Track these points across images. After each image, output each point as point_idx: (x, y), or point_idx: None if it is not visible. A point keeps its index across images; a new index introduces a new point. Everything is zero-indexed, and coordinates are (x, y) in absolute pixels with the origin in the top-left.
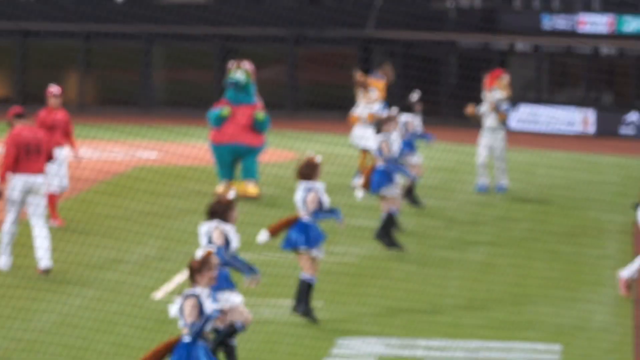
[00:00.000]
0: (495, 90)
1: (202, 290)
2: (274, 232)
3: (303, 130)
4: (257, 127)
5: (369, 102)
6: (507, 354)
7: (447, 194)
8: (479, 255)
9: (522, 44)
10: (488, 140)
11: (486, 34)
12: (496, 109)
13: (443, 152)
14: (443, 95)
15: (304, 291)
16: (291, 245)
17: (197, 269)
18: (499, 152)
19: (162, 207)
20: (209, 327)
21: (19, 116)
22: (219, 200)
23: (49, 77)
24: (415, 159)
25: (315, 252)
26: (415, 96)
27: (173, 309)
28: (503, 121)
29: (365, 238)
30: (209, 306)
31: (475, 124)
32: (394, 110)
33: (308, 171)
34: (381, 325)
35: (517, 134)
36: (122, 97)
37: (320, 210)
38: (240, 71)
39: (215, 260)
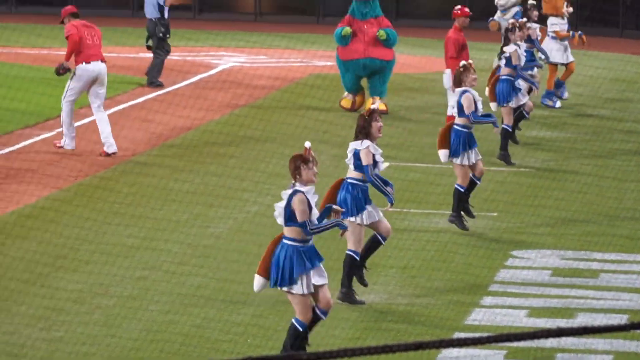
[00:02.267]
0: None
1: (305, 188)
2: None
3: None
4: (384, 44)
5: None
6: None
7: (625, 105)
8: None
9: None
10: None
11: None
12: None
13: (620, 63)
14: (619, 6)
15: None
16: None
17: (297, 165)
18: None
19: (337, 116)
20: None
21: (74, 15)
22: (360, 117)
23: None
24: (535, 70)
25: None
26: (531, 2)
27: (277, 210)
28: None
29: (541, 150)
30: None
31: None
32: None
33: (459, 78)
34: (557, 237)
35: None
36: (299, 6)
37: (476, 114)
38: None
39: (313, 156)
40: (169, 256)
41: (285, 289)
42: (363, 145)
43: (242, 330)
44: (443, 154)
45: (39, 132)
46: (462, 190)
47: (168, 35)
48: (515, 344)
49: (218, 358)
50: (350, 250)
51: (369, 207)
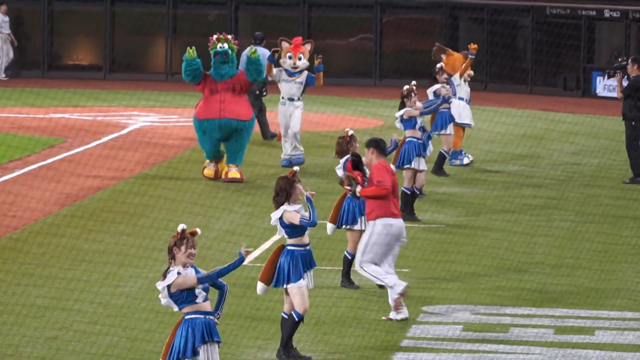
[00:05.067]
0: None
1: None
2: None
3: (388, 97)
4: (251, 65)
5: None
6: (594, 322)
7: (534, 160)
8: (565, 222)
9: (608, 12)
10: None
11: (574, 2)
12: None
13: (529, 119)
14: (528, 62)
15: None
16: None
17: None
18: None
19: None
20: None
21: None
22: (281, 178)
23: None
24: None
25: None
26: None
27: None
28: None
29: (451, 205)
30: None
31: (561, 92)
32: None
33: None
34: (467, 292)
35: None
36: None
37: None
38: (226, 43)
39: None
40: (79, 316)
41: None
42: (280, 212)
43: None
44: (330, 227)
45: None
46: (350, 257)
47: (265, 93)
48: None
49: None
50: (294, 311)
51: (310, 273)
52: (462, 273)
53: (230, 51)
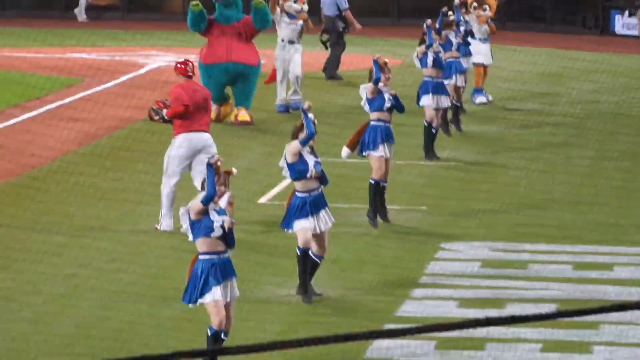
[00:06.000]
0: None
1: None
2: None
3: (407, 37)
4: (258, 14)
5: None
6: (612, 258)
7: (552, 98)
8: (584, 159)
9: None
10: None
11: None
12: None
13: (547, 57)
14: (546, 1)
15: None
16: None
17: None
18: None
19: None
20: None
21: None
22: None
23: None
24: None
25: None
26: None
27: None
28: None
29: (470, 143)
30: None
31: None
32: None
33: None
34: (486, 229)
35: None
36: None
37: None
38: None
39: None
40: (98, 253)
41: None
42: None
43: (172, 325)
44: (345, 151)
45: None
46: (373, 182)
47: (347, 31)
48: (444, 334)
49: (148, 353)
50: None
51: (322, 212)
52: (481, 210)
53: None
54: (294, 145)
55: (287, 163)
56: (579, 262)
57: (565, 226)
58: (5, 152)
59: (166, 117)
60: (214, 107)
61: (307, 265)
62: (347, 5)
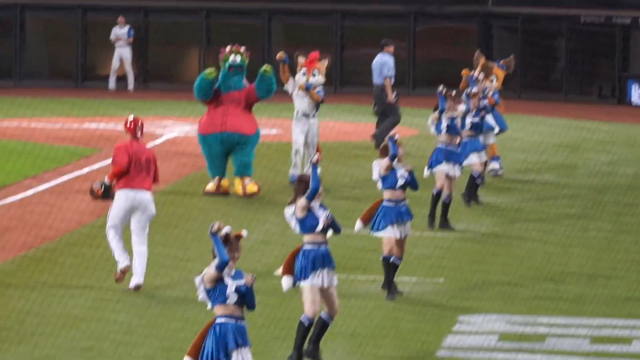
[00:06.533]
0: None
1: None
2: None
3: (422, 107)
4: (262, 81)
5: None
6: (631, 332)
7: (569, 170)
8: (601, 232)
9: None
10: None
11: (608, 9)
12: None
13: (564, 128)
14: (563, 71)
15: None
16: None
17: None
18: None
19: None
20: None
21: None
22: (301, 180)
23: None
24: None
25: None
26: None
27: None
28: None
29: (486, 215)
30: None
31: (596, 100)
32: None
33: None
34: (503, 302)
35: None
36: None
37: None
38: (239, 55)
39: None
40: (115, 326)
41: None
42: (292, 209)
43: None
44: (358, 224)
45: None
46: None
47: (397, 97)
48: None
49: None
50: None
51: (326, 270)
52: (498, 282)
53: (243, 64)
54: (302, 200)
55: (296, 219)
56: (596, 336)
57: (582, 299)
58: (22, 224)
59: (107, 182)
60: (214, 180)
61: (306, 337)
62: (388, 73)
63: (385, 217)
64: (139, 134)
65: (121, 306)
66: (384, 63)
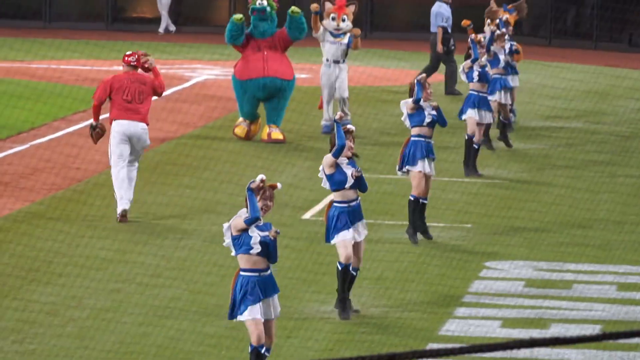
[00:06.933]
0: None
1: None
2: None
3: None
4: (293, 23)
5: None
6: None
7: (597, 117)
8: (629, 178)
9: None
10: None
11: None
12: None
13: (593, 75)
14: (593, 18)
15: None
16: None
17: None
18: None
19: (310, 128)
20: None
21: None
22: (332, 135)
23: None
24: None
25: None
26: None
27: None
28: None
29: (514, 161)
30: None
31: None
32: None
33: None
34: (530, 249)
35: None
36: None
37: None
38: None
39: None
40: (142, 268)
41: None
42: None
43: (215, 342)
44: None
45: (11, 145)
46: (413, 198)
47: (453, 47)
48: (488, 355)
49: None
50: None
51: (359, 224)
52: (525, 229)
53: (269, 8)
54: (329, 157)
55: (325, 175)
56: (623, 283)
57: (609, 246)
58: (51, 165)
59: (93, 124)
60: (244, 125)
61: (347, 280)
62: (442, 23)
63: (415, 152)
64: (134, 63)
65: (148, 249)
66: (438, 13)
